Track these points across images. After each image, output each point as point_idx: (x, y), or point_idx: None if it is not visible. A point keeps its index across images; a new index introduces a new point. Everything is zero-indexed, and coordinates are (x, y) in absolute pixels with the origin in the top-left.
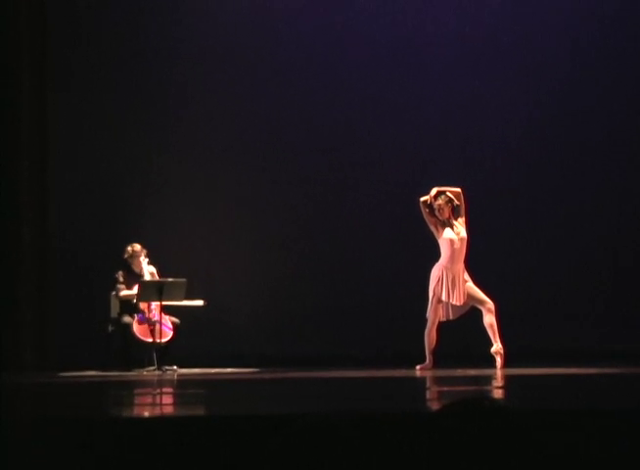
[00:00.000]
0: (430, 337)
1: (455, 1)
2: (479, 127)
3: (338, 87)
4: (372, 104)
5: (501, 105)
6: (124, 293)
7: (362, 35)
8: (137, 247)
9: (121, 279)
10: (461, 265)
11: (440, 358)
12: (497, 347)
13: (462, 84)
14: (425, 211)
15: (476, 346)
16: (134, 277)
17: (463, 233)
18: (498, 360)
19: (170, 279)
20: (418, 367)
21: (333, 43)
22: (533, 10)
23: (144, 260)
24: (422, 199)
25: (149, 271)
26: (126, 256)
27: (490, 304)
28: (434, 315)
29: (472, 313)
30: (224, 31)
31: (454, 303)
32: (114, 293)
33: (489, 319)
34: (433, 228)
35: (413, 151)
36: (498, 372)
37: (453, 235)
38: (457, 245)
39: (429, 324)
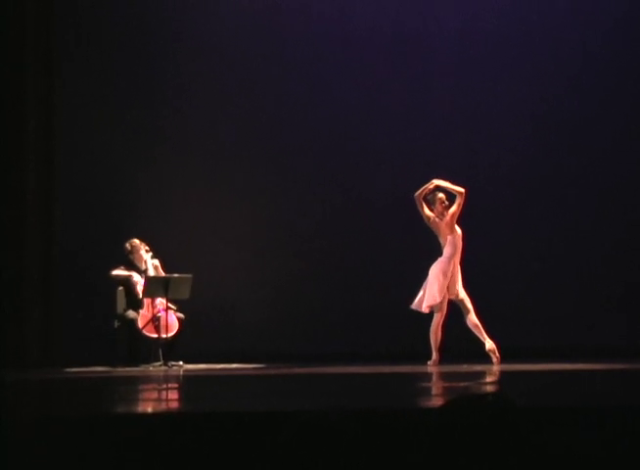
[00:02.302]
0: (437, 332)
1: (459, 0)
2: (484, 129)
3: (342, 85)
4: (376, 104)
5: (505, 107)
6: (116, 272)
7: (366, 35)
8: (135, 241)
9: (122, 267)
10: None
11: (446, 353)
12: (490, 344)
13: (466, 86)
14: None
15: (478, 342)
16: (138, 273)
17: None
18: (494, 358)
19: (176, 275)
20: (429, 363)
21: (337, 44)
22: (538, 9)
23: (146, 254)
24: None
25: (153, 264)
26: (127, 252)
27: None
28: (442, 310)
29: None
30: (229, 30)
31: (460, 297)
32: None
33: (472, 317)
34: (443, 226)
35: (418, 152)
36: (496, 368)
37: (459, 232)
38: (460, 242)
39: (437, 318)
